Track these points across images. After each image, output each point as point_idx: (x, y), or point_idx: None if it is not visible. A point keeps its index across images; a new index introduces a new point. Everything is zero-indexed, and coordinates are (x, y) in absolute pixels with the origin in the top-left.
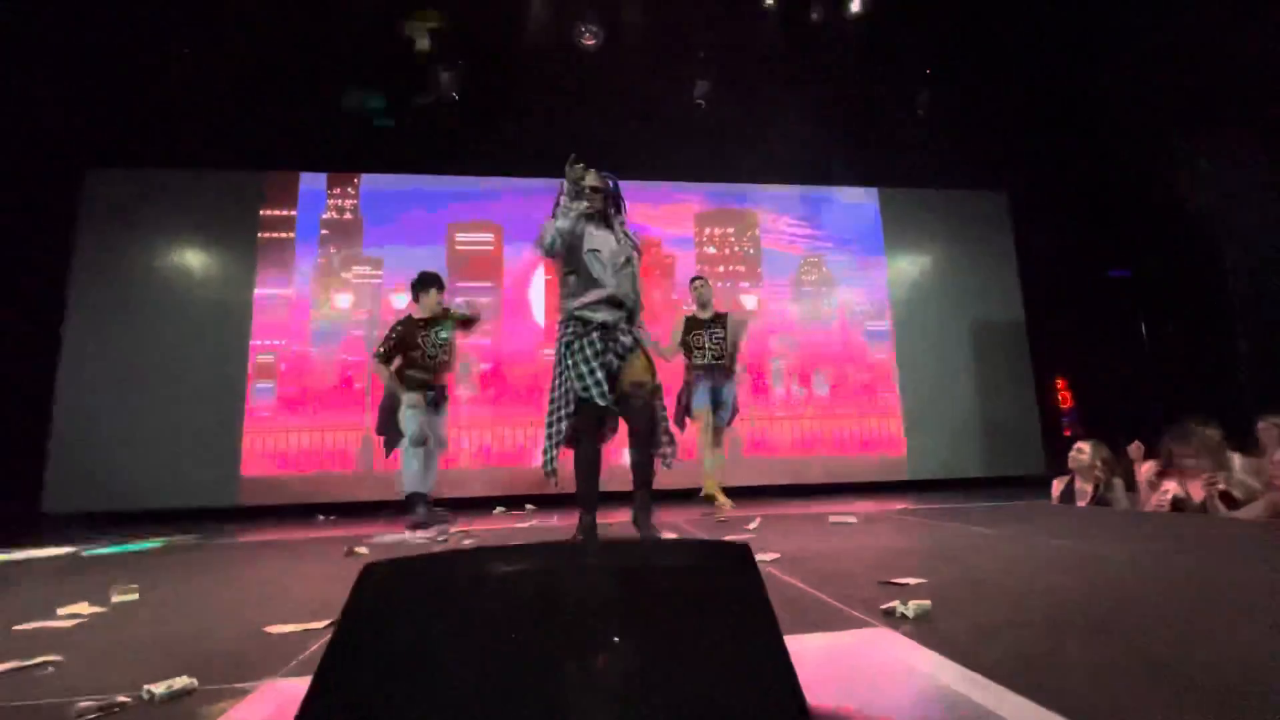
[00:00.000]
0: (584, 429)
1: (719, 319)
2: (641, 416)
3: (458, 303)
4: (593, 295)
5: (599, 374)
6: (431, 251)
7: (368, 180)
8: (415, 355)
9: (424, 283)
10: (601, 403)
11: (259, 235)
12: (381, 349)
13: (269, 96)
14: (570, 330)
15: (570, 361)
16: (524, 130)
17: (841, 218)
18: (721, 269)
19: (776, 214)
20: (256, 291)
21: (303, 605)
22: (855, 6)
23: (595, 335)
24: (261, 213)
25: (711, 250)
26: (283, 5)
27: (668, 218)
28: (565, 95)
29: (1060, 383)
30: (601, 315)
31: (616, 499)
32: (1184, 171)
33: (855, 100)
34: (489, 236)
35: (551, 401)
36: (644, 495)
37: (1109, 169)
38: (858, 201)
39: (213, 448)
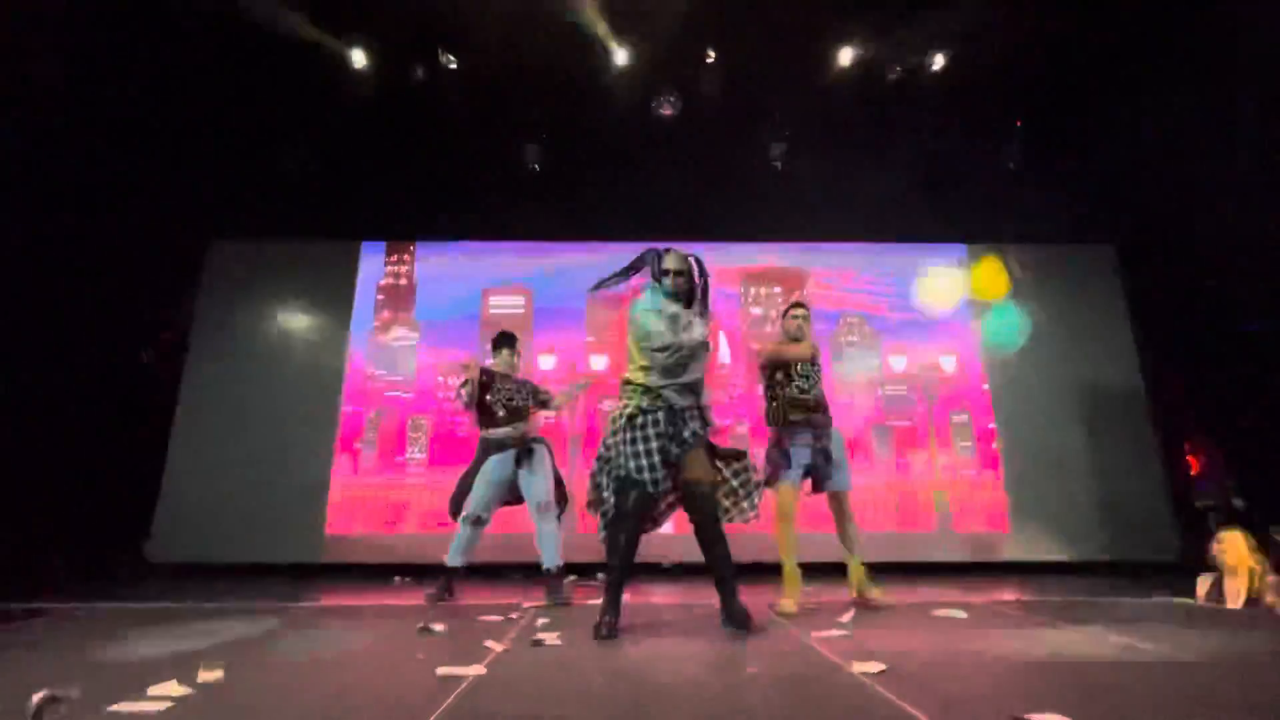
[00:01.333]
0: (627, 508)
1: (815, 357)
2: (703, 510)
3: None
4: (669, 379)
5: (656, 458)
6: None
7: (423, 247)
8: (490, 411)
9: (496, 343)
10: (650, 489)
11: (355, 302)
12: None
13: (364, 169)
14: (635, 402)
15: (629, 436)
16: (593, 197)
17: (933, 276)
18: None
19: (859, 273)
20: (350, 353)
21: (378, 706)
22: (935, 65)
23: (661, 415)
24: (358, 280)
25: (758, 311)
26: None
27: (736, 278)
28: (640, 161)
29: (1187, 446)
30: (674, 399)
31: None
32: None
33: (944, 155)
34: (520, 300)
35: (600, 461)
36: (727, 591)
37: (1227, 213)
38: (950, 259)
39: (302, 506)
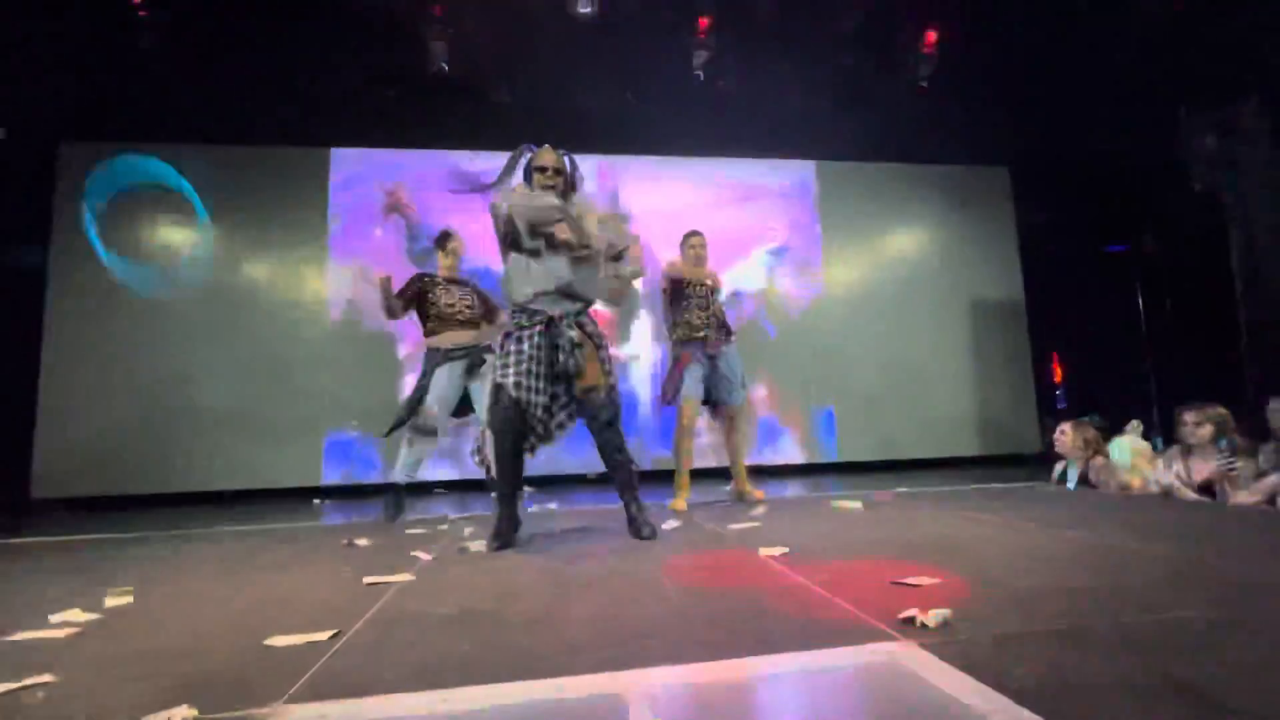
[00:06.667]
0: (503, 424)
1: (712, 282)
2: (599, 418)
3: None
4: (541, 286)
5: (527, 366)
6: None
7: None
8: (427, 319)
9: (439, 240)
10: (515, 394)
11: (242, 215)
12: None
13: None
14: (513, 321)
15: (504, 349)
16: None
17: (839, 192)
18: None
19: (775, 191)
20: (244, 267)
21: (303, 612)
22: None
23: (538, 330)
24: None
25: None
26: None
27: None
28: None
29: (1054, 357)
30: (549, 308)
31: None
32: (1190, 145)
33: (851, 73)
34: None
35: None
36: (631, 500)
37: (1113, 143)
38: (857, 176)
39: (205, 429)
